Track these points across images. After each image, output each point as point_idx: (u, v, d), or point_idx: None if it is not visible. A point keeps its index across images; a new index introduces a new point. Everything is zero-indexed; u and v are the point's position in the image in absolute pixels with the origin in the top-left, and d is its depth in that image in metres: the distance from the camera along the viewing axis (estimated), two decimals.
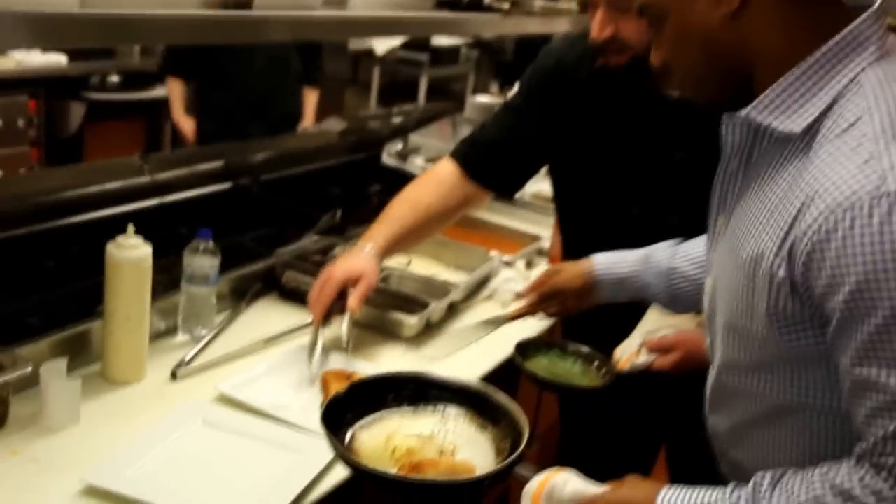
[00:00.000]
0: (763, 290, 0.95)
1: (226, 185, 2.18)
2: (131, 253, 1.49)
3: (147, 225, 1.57)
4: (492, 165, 1.73)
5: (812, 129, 0.94)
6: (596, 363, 1.54)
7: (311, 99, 3.82)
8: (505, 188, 1.75)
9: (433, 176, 1.75)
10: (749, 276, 0.97)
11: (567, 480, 1.05)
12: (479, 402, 1.25)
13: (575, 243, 1.70)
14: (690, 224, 1.38)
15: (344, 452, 1.13)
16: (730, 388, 1.07)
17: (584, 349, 1.56)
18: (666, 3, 1.00)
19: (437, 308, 1.92)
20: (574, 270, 1.51)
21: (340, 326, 1.66)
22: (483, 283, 2.16)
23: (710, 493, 0.99)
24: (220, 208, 2.12)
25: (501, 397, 1.24)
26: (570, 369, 1.53)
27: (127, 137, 4.21)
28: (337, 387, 1.56)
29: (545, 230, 2.53)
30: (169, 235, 1.85)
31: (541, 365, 1.53)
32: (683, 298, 1.42)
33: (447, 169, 1.75)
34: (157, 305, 1.69)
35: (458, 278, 2.11)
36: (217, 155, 2.13)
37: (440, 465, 1.13)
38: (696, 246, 1.42)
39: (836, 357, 0.92)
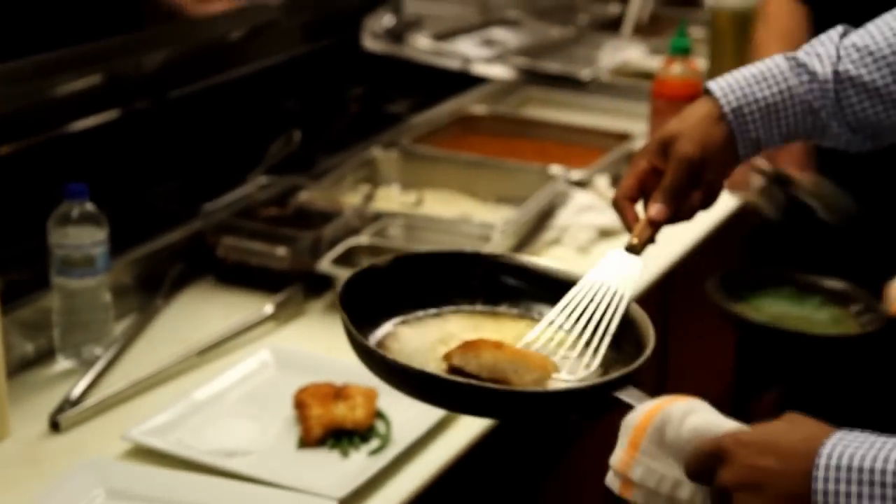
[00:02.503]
0: None
1: (110, 114, 2.17)
2: None
3: None
4: None
5: None
6: (854, 306, 1.62)
7: None
8: None
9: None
10: None
11: (688, 412, 1.07)
12: None
13: None
14: None
15: (360, 339, 1.19)
16: None
17: (836, 285, 1.65)
18: None
19: None
20: (686, 112, 1.42)
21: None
22: (543, 218, 2.17)
23: None
24: (104, 150, 2.10)
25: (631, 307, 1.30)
26: (811, 315, 1.60)
27: None
28: (320, 412, 1.60)
29: (636, 123, 2.53)
30: (23, 203, 1.85)
31: (765, 310, 1.60)
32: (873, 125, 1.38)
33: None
34: (15, 316, 1.71)
35: (501, 216, 2.11)
36: (88, 61, 2.09)
37: (502, 351, 1.19)
38: (876, 33, 1.38)
39: None
